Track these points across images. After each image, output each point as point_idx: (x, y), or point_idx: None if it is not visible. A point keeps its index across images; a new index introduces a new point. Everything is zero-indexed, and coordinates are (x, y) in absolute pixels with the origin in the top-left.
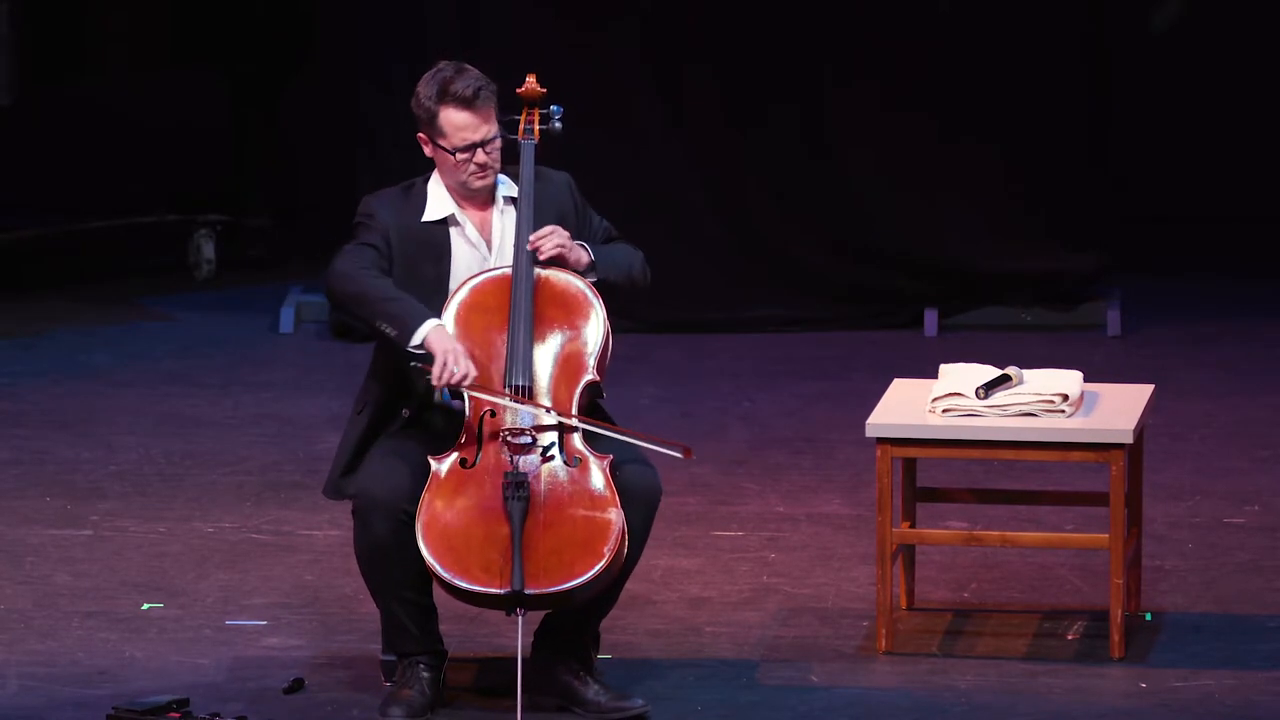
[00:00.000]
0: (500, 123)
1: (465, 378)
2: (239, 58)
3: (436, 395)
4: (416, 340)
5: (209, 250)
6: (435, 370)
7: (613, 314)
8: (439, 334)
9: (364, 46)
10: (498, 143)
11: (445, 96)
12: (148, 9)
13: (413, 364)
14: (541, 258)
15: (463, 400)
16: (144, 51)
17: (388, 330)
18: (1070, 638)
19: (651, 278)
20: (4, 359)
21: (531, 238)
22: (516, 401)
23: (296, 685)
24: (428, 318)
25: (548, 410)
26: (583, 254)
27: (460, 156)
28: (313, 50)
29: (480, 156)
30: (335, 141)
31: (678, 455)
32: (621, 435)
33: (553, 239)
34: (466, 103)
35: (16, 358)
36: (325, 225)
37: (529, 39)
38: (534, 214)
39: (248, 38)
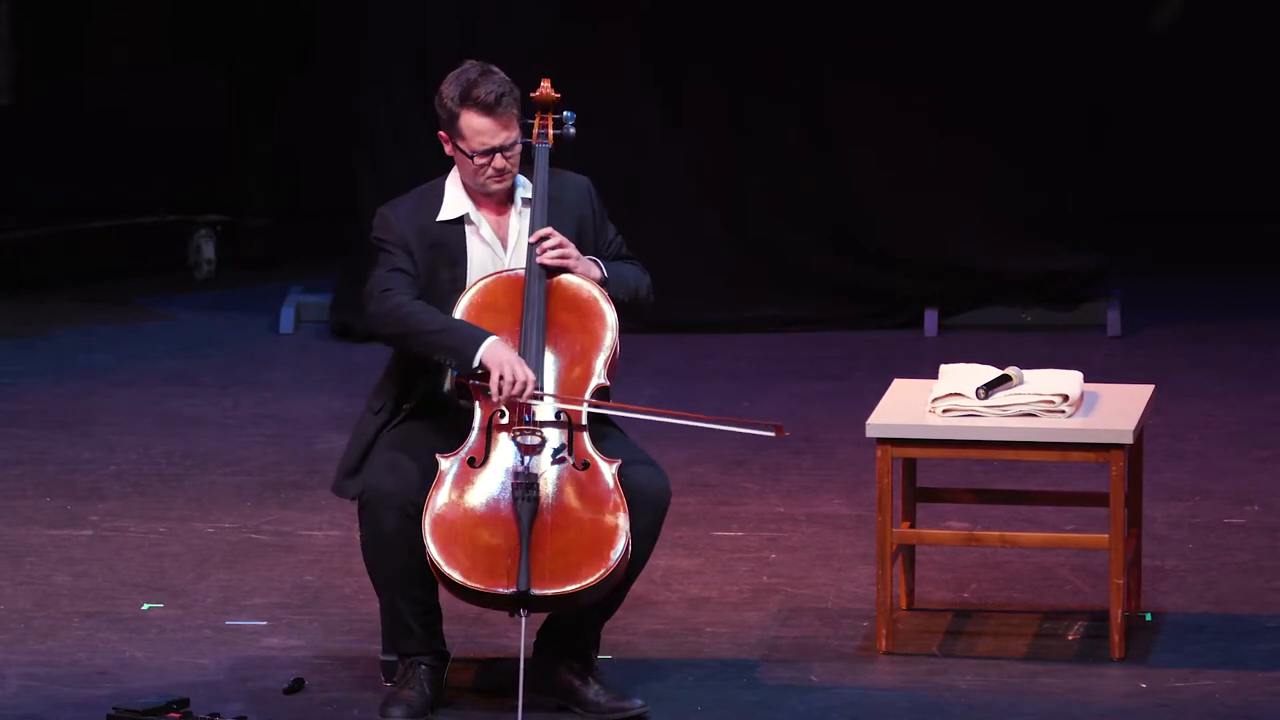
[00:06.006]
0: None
1: (526, 385)
2: (239, 57)
3: (444, 388)
4: (475, 365)
5: (209, 250)
6: (494, 384)
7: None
8: (492, 350)
9: (364, 46)
10: (518, 148)
11: (468, 100)
12: (148, 9)
13: (473, 382)
14: (539, 259)
15: (471, 400)
16: (144, 51)
17: (446, 362)
18: (1070, 638)
19: (654, 299)
20: (4, 359)
21: (530, 239)
22: (592, 407)
23: (296, 685)
24: (481, 341)
25: (653, 413)
26: (593, 268)
27: (479, 161)
28: (313, 50)
29: (499, 161)
30: (335, 141)
31: (770, 435)
32: (707, 423)
33: (556, 251)
34: (488, 109)
35: (16, 358)
36: (325, 225)
37: (529, 39)
38: (548, 219)
39: (248, 37)
